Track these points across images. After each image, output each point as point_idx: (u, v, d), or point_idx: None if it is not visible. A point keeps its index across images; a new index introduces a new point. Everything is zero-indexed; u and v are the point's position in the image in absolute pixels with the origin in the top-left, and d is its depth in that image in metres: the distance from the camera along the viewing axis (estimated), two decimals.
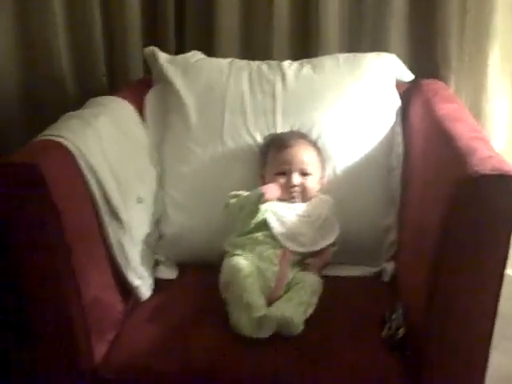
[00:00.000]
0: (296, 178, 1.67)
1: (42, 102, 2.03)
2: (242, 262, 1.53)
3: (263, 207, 1.62)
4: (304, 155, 1.69)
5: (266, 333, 1.38)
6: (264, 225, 1.61)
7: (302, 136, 1.73)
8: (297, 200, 1.67)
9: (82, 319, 1.36)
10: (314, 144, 1.73)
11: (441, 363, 1.29)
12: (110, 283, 1.49)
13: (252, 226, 1.62)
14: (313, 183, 1.69)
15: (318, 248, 1.62)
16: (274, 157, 1.70)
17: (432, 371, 1.30)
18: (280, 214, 1.63)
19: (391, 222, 1.74)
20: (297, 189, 1.67)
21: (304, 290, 1.49)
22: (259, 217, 1.62)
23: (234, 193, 1.66)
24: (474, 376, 1.31)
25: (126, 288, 1.54)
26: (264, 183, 1.69)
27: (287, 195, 1.67)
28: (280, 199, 1.66)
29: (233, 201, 1.64)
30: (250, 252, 1.57)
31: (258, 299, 1.42)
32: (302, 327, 1.41)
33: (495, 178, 1.16)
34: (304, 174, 1.68)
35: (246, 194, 1.64)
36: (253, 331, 1.38)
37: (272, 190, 1.64)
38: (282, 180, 1.67)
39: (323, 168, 1.73)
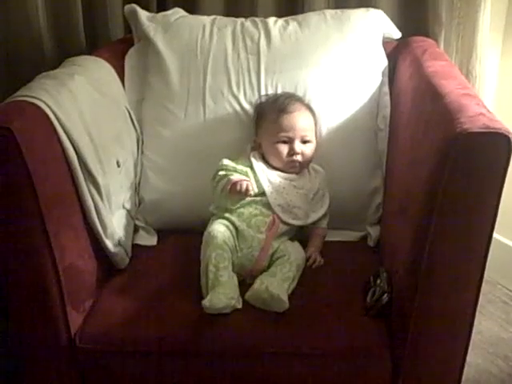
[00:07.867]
0: (298, 146, 1.58)
1: (19, 64, 1.95)
2: (220, 228, 1.47)
3: (258, 175, 1.56)
4: (305, 122, 1.61)
5: (221, 311, 1.34)
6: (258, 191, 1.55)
7: (298, 99, 1.65)
8: (296, 170, 1.60)
9: (57, 287, 1.31)
10: (310, 107, 1.65)
11: (425, 328, 1.26)
12: (87, 250, 1.44)
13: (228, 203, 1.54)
14: (312, 151, 1.61)
15: (309, 222, 1.59)
16: (273, 122, 1.60)
17: (416, 337, 1.27)
18: (277, 183, 1.57)
19: (377, 184, 1.70)
20: (299, 157, 1.58)
21: (289, 265, 1.44)
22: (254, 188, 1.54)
23: (225, 162, 1.57)
24: (458, 340, 1.29)
25: (104, 255, 1.50)
26: (258, 149, 1.62)
27: (288, 165, 1.59)
28: (276, 168, 1.59)
29: (220, 173, 1.55)
30: (237, 216, 1.52)
31: (217, 277, 1.37)
32: (287, 305, 1.35)
33: (485, 136, 1.11)
34: (304, 141, 1.60)
35: (234, 168, 1.56)
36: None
37: (242, 188, 1.50)
38: (283, 149, 1.58)
39: (316, 134, 1.66)
